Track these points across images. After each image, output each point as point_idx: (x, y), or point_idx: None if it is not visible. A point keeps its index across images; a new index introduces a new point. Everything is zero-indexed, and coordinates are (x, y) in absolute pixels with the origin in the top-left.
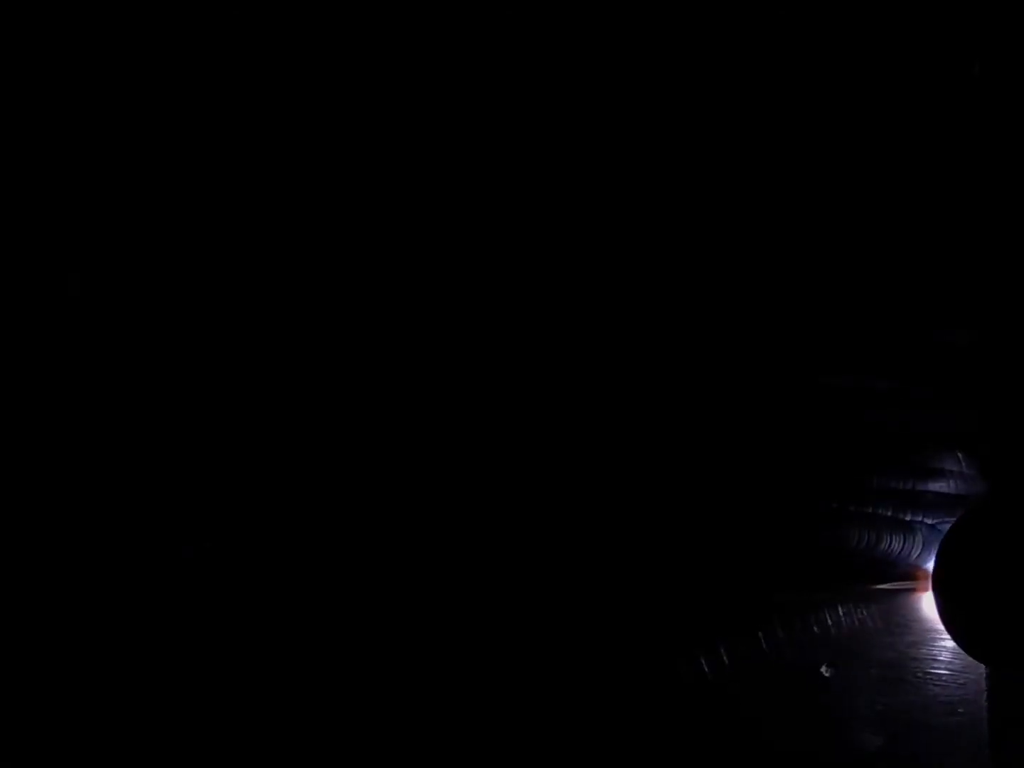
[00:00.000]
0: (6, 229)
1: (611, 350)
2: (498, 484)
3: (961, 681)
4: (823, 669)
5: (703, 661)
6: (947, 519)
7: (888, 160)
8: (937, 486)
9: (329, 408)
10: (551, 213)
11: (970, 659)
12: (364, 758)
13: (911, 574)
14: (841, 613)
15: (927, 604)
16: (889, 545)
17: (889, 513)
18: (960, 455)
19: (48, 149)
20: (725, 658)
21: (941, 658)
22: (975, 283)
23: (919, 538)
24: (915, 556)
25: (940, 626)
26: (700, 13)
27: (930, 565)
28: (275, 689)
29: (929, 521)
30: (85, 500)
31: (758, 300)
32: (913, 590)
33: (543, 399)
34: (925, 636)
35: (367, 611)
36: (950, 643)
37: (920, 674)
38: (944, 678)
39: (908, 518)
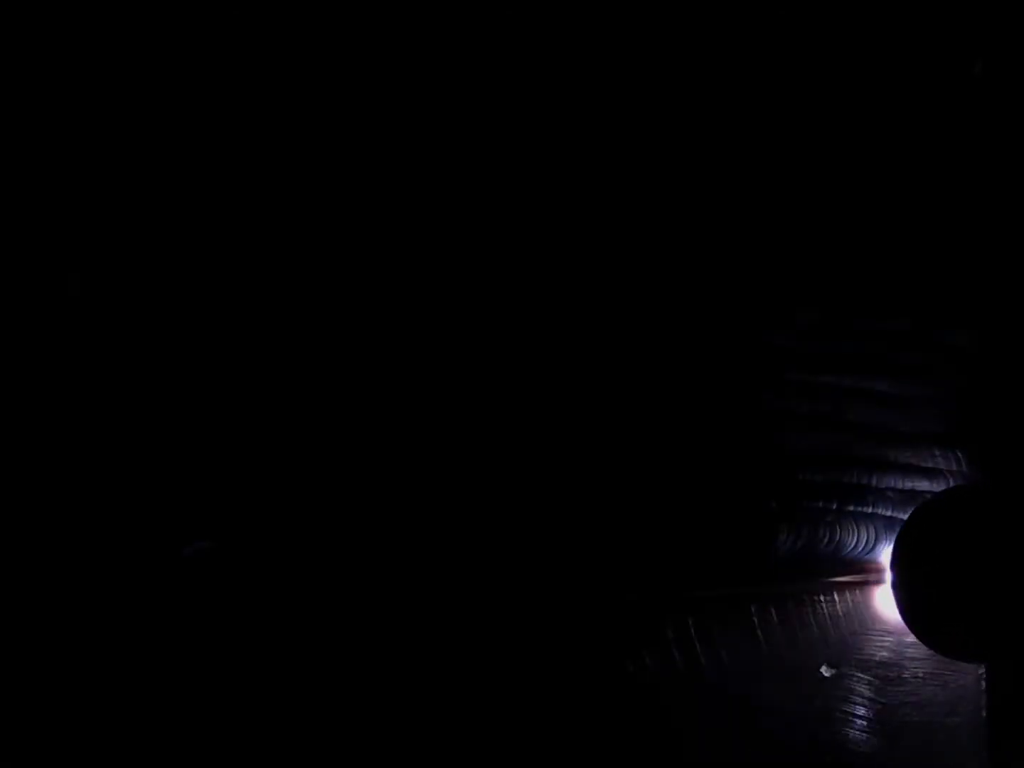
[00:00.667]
0: (6, 229)
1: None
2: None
3: (961, 681)
4: (823, 669)
5: (700, 654)
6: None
7: (886, 158)
8: (935, 486)
9: (327, 407)
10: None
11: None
12: (363, 757)
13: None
14: (838, 604)
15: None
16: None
17: (888, 513)
18: (958, 453)
19: (48, 149)
20: (723, 654)
21: (939, 657)
22: (975, 282)
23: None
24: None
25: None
26: (697, 10)
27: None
28: (275, 689)
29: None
30: (85, 500)
31: (751, 295)
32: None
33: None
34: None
35: (365, 603)
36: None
37: (921, 674)
38: (943, 677)
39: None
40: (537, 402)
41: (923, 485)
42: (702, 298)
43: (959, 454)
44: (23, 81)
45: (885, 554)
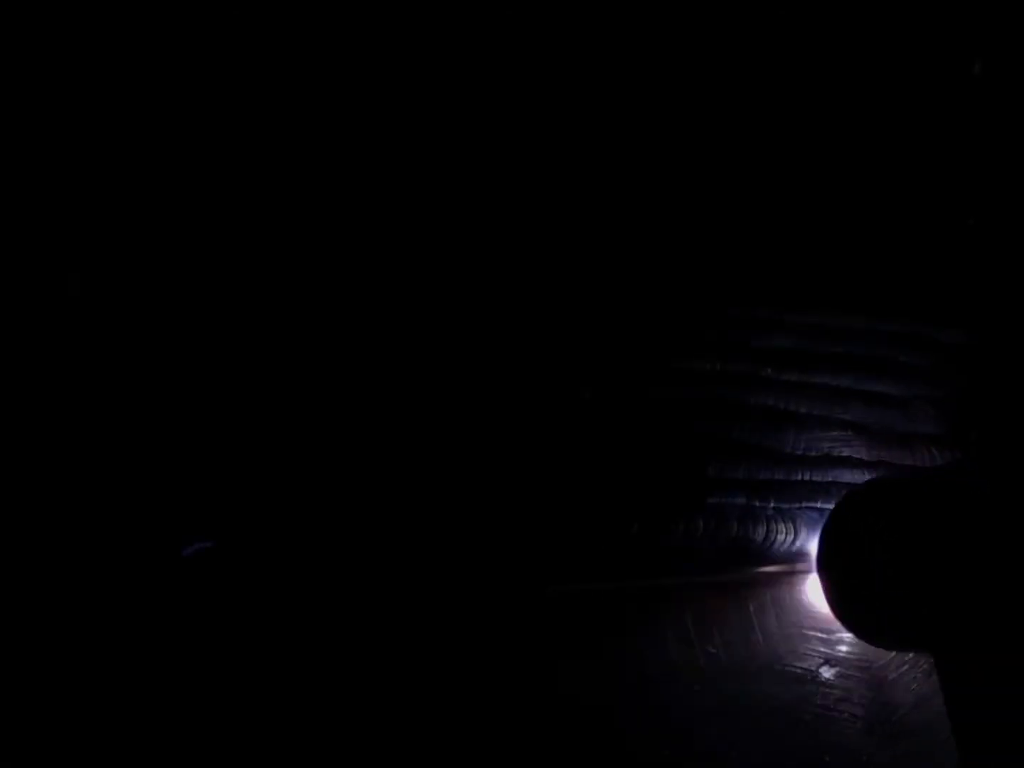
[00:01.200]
0: (6, 229)
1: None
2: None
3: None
4: (822, 669)
5: (696, 646)
6: None
7: (886, 158)
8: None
9: (324, 408)
10: None
11: None
12: (364, 757)
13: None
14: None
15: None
16: None
17: None
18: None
19: (48, 149)
20: (720, 650)
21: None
22: (972, 282)
23: None
24: None
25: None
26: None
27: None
28: (275, 689)
29: None
30: (85, 500)
31: (746, 295)
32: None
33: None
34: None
35: (361, 602)
36: None
37: (915, 675)
38: (932, 677)
39: None
40: (513, 399)
41: None
42: (692, 295)
43: (957, 454)
44: (24, 82)
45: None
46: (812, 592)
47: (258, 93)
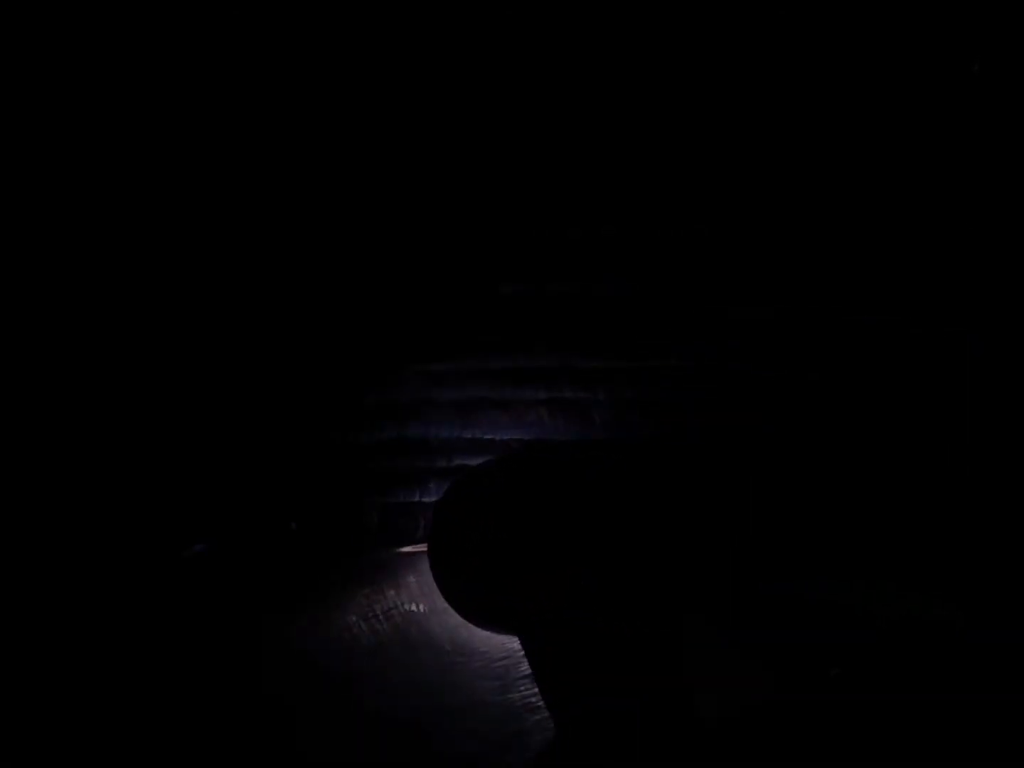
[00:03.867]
0: (6, 229)
1: None
2: None
3: None
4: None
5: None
6: None
7: (885, 159)
8: None
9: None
10: None
11: None
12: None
13: None
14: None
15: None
16: None
17: None
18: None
19: (48, 150)
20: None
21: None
22: (983, 281)
23: None
24: None
25: None
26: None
27: None
28: (275, 689)
29: None
30: (85, 499)
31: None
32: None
33: None
34: None
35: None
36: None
37: None
38: None
39: None
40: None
41: None
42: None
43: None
44: (23, 82)
45: None
46: None
47: (258, 93)
